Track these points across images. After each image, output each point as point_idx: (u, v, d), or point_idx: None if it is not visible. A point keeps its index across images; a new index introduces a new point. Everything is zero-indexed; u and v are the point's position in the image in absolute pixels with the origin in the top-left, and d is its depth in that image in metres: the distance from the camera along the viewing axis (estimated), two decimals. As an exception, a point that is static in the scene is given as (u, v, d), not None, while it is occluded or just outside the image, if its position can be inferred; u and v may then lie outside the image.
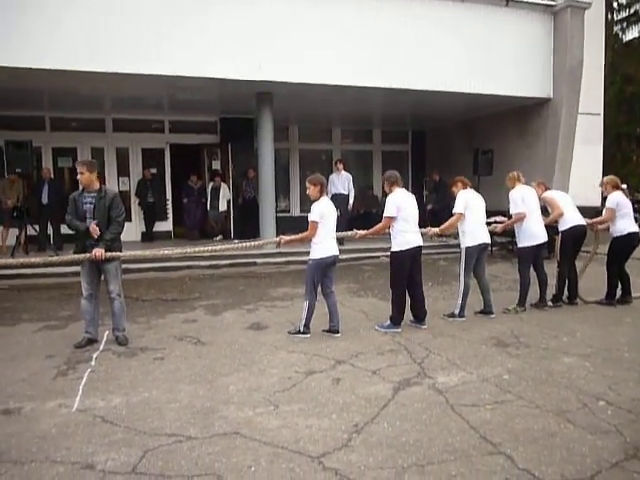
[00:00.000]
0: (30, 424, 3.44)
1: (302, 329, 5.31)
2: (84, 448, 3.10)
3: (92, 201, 4.96)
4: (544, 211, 6.57)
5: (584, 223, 6.51)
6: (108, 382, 4.16)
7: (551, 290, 6.53)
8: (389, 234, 5.62)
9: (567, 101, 10.87)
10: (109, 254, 4.92)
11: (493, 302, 6.12)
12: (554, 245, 7.92)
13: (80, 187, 5.09)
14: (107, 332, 5.38)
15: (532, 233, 6.18)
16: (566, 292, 6.61)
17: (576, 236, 6.47)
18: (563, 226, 6.46)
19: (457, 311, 5.92)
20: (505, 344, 5.05)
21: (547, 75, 11.00)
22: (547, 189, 6.74)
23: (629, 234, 6.41)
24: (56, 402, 3.78)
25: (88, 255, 4.89)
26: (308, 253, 5.38)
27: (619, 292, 6.64)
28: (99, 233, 4.89)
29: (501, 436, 3.20)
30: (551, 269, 6.68)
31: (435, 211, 12.33)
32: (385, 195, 5.81)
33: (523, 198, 6.17)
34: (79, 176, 4.99)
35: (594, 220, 6.76)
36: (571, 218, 6.44)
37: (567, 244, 6.48)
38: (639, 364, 4.43)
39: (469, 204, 5.89)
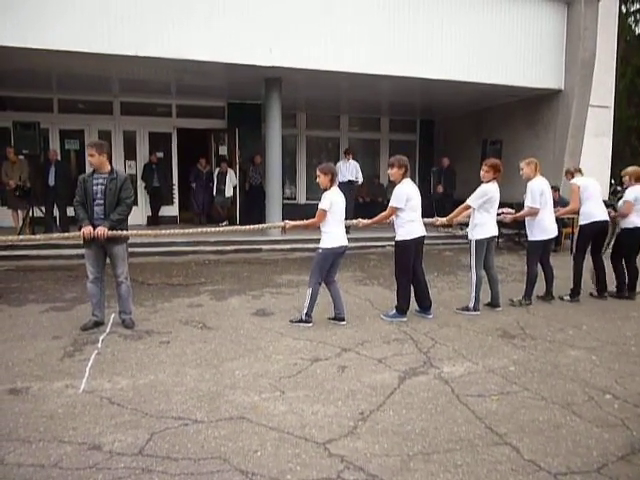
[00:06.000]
0: (37, 404, 3.45)
1: (304, 317, 5.29)
2: (91, 429, 3.12)
3: (103, 182, 4.92)
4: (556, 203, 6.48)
5: (606, 218, 6.40)
6: (114, 364, 4.18)
7: (560, 283, 6.50)
8: (390, 223, 5.61)
9: (578, 93, 10.78)
10: (111, 233, 4.87)
11: (501, 295, 6.08)
12: (561, 239, 7.89)
13: (90, 169, 5.09)
14: (113, 315, 5.39)
15: (544, 227, 6.08)
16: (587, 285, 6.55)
17: (595, 231, 6.36)
18: (584, 220, 6.36)
19: (472, 304, 5.80)
20: (511, 335, 5.04)
21: (559, 66, 10.90)
22: (579, 174, 6.52)
23: (636, 228, 6.36)
24: (63, 383, 3.80)
25: (87, 231, 4.80)
26: (314, 240, 5.36)
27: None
28: (92, 237, 4.83)
29: (507, 427, 3.20)
30: (559, 261, 6.65)
31: (443, 197, 12.32)
32: (389, 180, 5.71)
33: (542, 191, 6.01)
34: (89, 158, 4.98)
35: (613, 215, 6.68)
36: (593, 212, 6.32)
37: (585, 239, 6.40)
38: (646, 358, 4.42)
39: (490, 200, 5.69)
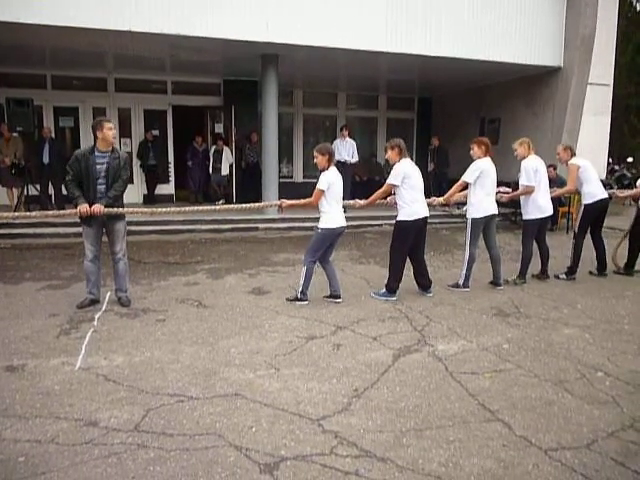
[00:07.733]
0: (34, 381, 3.48)
1: (300, 296, 5.31)
2: (87, 405, 3.14)
3: (107, 161, 4.84)
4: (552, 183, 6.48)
5: (607, 196, 6.44)
6: (110, 342, 4.20)
7: (556, 262, 6.52)
8: (388, 204, 5.63)
9: (577, 71, 10.68)
10: (107, 210, 4.83)
11: (502, 274, 6.09)
12: (558, 218, 7.87)
13: (89, 146, 4.98)
14: (109, 293, 5.40)
15: (539, 206, 6.08)
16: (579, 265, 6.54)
17: (599, 210, 6.41)
18: (587, 199, 6.36)
19: (461, 281, 5.89)
20: (505, 314, 5.07)
21: (558, 44, 10.78)
22: (573, 155, 6.44)
23: None
24: (59, 360, 3.82)
25: (84, 209, 4.76)
26: (310, 219, 5.36)
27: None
28: (90, 215, 4.79)
29: (499, 403, 3.24)
30: (556, 241, 6.65)
31: (437, 175, 12.32)
32: (387, 162, 5.73)
33: (537, 169, 6.02)
34: (113, 131, 4.87)
35: (628, 193, 6.70)
36: (596, 192, 6.34)
37: (589, 218, 6.42)
38: (638, 336, 4.45)
39: (483, 174, 5.69)
